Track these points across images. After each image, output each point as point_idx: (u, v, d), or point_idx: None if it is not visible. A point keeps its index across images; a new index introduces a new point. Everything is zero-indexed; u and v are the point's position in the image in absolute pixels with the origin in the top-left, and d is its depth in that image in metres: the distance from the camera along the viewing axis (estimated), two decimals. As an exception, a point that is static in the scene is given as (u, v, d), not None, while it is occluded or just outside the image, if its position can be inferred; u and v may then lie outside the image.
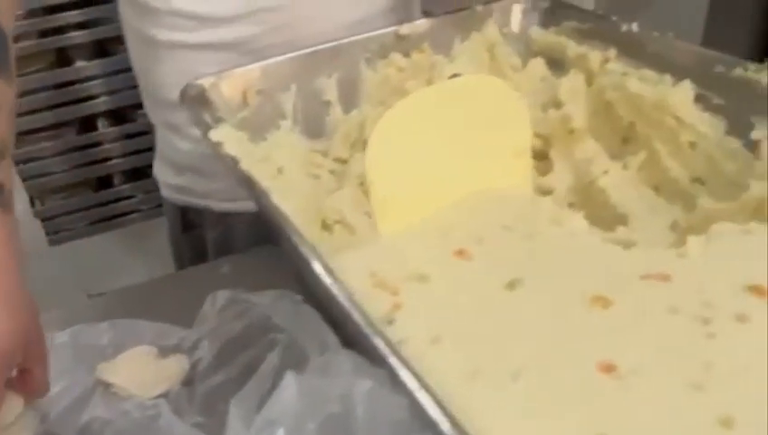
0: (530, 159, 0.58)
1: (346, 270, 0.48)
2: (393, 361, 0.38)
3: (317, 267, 0.45)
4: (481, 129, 0.55)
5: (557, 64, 0.78)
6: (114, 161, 1.79)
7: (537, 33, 0.80)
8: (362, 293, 0.46)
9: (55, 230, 1.79)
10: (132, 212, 1.87)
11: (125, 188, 1.84)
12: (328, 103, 0.77)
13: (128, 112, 1.74)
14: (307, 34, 0.79)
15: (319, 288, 0.45)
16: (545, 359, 0.40)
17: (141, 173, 1.78)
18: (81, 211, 1.81)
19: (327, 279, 0.44)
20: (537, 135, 0.74)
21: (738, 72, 0.63)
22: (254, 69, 0.73)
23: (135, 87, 0.99)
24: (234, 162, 0.58)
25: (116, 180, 1.84)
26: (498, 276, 0.45)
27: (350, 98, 0.77)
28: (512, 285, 0.44)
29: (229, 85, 0.73)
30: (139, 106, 1.04)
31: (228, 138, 0.63)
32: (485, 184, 0.55)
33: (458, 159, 0.54)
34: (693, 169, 0.66)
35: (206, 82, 0.72)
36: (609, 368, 0.39)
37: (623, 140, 0.72)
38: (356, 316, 0.41)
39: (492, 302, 0.44)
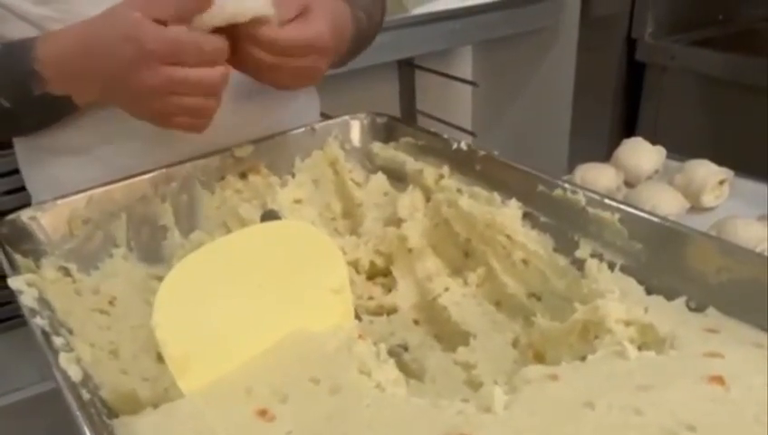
0: (350, 294, 0.56)
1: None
2: None
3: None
4: (293, 271, 0.53)
5: (400, 178, 0.78)
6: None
7: (378, 147, 0.80)
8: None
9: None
10: (13, 317, 1.79)
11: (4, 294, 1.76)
12: (164, 228, 0.74)
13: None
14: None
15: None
16: None
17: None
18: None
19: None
20: (379, 253, 0.73)
21: (558, 192, 0.63)
22: (78, 199, 0.70)
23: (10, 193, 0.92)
24: (30, 314, 0.54)
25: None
26: (298, 441, 0.42)
27: (187, 221, 0.74)
28: (310, 452, 0.41)
29: (51, 217, 0.69)
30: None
31: (37, 282, 0.59)
32: (304, 324, 0.53)
33: (270, 305, 0.51)
34: (528, 284, 0.66)
35: (23, 215, 0.68)
36: None
37: (465, 254, 0.72)
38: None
39: (288, 472, 0.41)
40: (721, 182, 0.92)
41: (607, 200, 0.61)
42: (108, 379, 0.54)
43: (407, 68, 2.10)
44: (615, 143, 1.08)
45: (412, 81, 2.13)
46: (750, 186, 0.93)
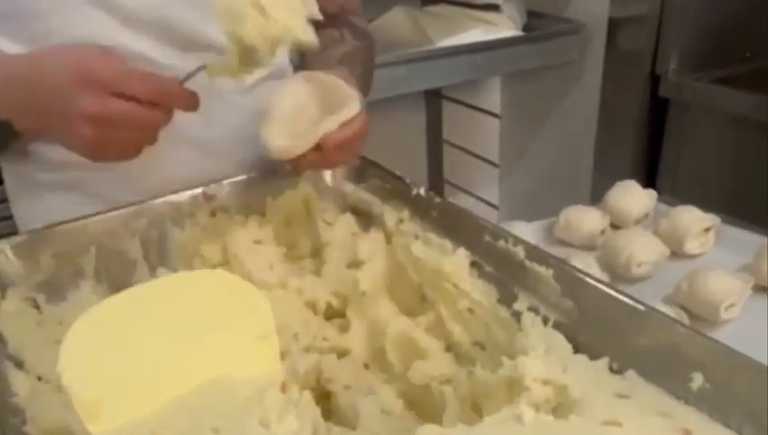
0: (276, 341, 0.57)
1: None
2: None
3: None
4: (215, 318, 0.54)
5: (369, 218, 0.79)
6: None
7: (349, 188, 0.81)
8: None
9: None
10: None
11: None
12: (134, 262, 0.76)
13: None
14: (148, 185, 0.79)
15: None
16: None
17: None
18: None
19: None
20: (336, 294, 0.74)
21: (501, 243, 0.63)
22: (47, 233, 0.72)
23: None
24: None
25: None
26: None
27: (156, 256, 0.77)
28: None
29: (19, 251, 0.72)
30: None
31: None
32: (226, 370, 0.53)
33: (190, 351, 0.52)
34: (473, 333, 0.66)
35: (-8, 249, 0.71)
36: None
37: (422, 298, 0.72)
38: None
39: None
40: (707, 229, 0.89)
41: (544, 255, 0.60)
42: (43, 412, 0.56)
43: (434, 98, 2.11)
44: (637, 177, 1.06)
45: (439, 111, 2.14)
46: (738, 234, 0.90)
